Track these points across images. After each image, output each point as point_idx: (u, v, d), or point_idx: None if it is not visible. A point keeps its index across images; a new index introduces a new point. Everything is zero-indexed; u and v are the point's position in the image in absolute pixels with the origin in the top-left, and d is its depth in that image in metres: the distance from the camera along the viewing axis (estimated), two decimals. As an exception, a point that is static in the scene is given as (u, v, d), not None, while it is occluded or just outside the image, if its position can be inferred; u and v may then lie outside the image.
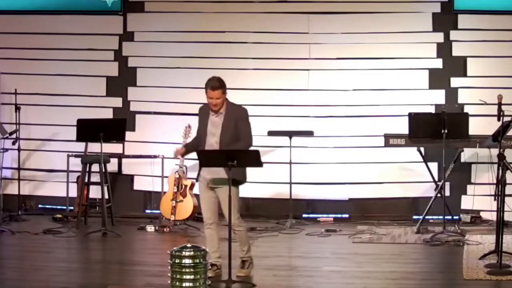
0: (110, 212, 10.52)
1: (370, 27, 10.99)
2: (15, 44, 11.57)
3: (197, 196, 10.36)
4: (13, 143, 10.90)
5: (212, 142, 7.44)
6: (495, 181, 8.17)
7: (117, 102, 11.47)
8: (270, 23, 11.19)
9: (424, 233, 9.73)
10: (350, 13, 11.05)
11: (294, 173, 10.62)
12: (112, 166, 11.08)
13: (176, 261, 6.32)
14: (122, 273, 8.00)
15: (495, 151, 8.42)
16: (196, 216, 10.55)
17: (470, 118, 9.79)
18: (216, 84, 7.41)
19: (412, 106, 10.60)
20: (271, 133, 10.61)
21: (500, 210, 7.85)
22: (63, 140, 11.42)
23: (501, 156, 7.88)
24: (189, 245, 6.39)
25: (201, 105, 7.75)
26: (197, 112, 10.97)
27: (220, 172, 7.36)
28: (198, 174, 7.59)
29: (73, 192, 11.12)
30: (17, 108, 10.94)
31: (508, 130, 8.32)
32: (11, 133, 10.70)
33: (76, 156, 11.05)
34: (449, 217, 9.88)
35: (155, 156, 11.11)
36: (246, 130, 7.52)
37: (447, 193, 10.40)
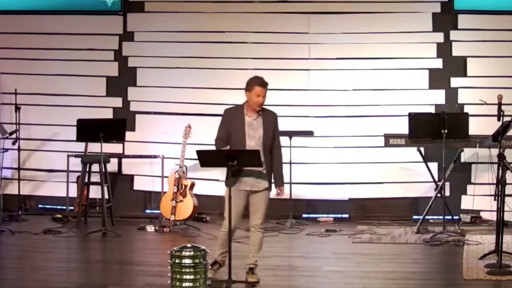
0: (110, 212, 10.52)
1: (370, 27, 10.99)
2: (15, 44, 11.58)
3: (197, 196, 10.41)
4: (13, 143, 10.90)
5: (252, 144, 7.34)
6: (495, 181, 8.17)
7: (117, 102, 11.47)
8: (270, 23, 11.20)
9: (424, 233, 9.73)
10: (350, 13, 11.05)
11: (294, 173, 10.62)
12: (112, 166, 11.08)
13: (176, 261, 6.32)
14: (122, 273, 8.00)
15: (495, 151, 8.42)
16: (196, 216, 10.57)
17: (470, 118, 9.80)
18: (265, 82, 7.41)
19: (412, 106, 10.60)
20: (271, 133, 10.58)
21: (500, 210, 7.85)
22: (63, 140, 11.43)
23: (501, 156, 7.88)
24: (189, 245, 6.39)
25: (227, 106, 7.62)
26: (197, 112, 11.14)
27: (261, 175, 7.35)
28: (231, 179, 7.36)
29: (73, 192, 11.12)
30: (17, 108, 10.93)
31: (508, 130, 8.32)
32: (11, 133, 10.70)
33: (76, 156, 11.05)
34: (449, 217, 9.88)
35: (155, 156, 11.11)
36: (279, 135, 7.56)
37: (447, 193, 10.40)
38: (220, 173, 10.85)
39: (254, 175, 7.33)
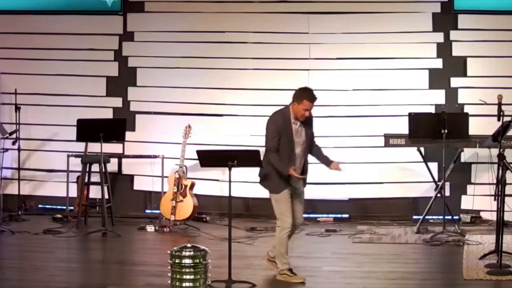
0: (110, 212, 10.51)
1: (370, 27, 10.98)
2: (15, 44, 11.57)
3: (197, 196, 10.42)
4: (13, 143, 10.90)
5: (298, 151, 7.45)
6: (495, 181, 8.18)
7: (117, 102, 11.47)
8: (270, 23, 11.19)
9: (424, 233, 9.73)
10: (350, 13, 11.05)
11: (294, 173, 10.60)
12: (112, 166, 11.07)
13: (176, 261, 6.33)
14: (122, 273, 8.00)
15: (495, 151, 8.42)
16: (196, 216, 10.57)
17: (470, 118, 9.80)
18: (315, 96, 7.44)
19: (412, 106, 10.60)
20: (271, 133, 10.58)
21: (500, 210, 7.85)
22: (63, 140, 11.42)
23: (501, 156, 7.88)
24: (189, 245, 6.40)
25: (275, 111, 7.58)
26: (197, 112, 11.14)
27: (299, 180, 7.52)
28: (281, 187, 7.46)
29: (73, 192, 11.12)
30: (17, 108, 10.93)
31: (508, 130, 8.32)
32: (11, 133, 10.70)
33: (76, 156, 11.05)
34: (449, 217, 9.88)
35: (155, 156, 11.11)
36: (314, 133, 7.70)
37: (447, 193, 10.40)
38: (220, 173, 10.87)
39: (297, 179, 7.47)
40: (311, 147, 7.64)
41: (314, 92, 7.49)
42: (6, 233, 9.80)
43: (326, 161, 7.71)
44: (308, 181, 10.92)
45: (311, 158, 11.15)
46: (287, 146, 7.39)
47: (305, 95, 7.39)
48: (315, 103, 7.52)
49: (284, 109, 7.50)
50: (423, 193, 10.74)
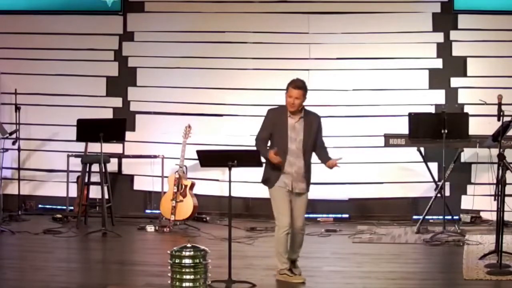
0: (110, 212, 10.51)
1: (370, 27, 10.99)
2: (15, 44, 11.57)
3: (197, 196, 10.41)
4: (13, 143, 10.90)
5: (293, 148, 7.37)
6: (495, 181, 8.18)
7: (117, 102, 11.47)
8: (270, 23, 11.19)
9: (424, 233, 9.73)
10: (350, 13, 11.05)
11: (294, 173, 10.60)
12: (112, 166, 11.07)
13: (176, 261, 6.33)
14: (122, 273, 8.00)
15: (495, 151, 8.43)
16: (196, 216, 10.57)
17: (470, 118, 9.81)
18: (299, 84, 7.36)
19: (412, 106, 10.60)
20: (271, 133, 10.58)
21: (500, 210, 7.86)
22: (63, 140, 11.42)
23: (501, 156, 7.89)
24: (189, 245, 6.40)
25: (271, 107, 7.60)
26: (197, 112, 11.15)
27: (300, 179, 7.42)
28: (272, 179, 7.42)
29: (73, 192, 11.12)
30: (17, 108, 10.94)
31: (508, 130, 8.32)
32: (11, 133, 10.70)
33: (76, 156, 11.05)
34: (449, 217, 9.88)
35: (155, 156, 11.11)
36: (322, 137, 7.60)
37: (447, 193, 10.40)
38: (220, 173, 10.88)
39: (294, 176, 7.39)
40: (313, 148, 7.53)
41: (303, 83, 7.40)
42: (6, 233, 9.79)
43: (326, 160, 7.60)
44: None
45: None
46: (280, 140, 7.37)
47: (289, 83, 7.42)
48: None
49: (283, 105, 7.51)
50: (423, 193, 10.74)
